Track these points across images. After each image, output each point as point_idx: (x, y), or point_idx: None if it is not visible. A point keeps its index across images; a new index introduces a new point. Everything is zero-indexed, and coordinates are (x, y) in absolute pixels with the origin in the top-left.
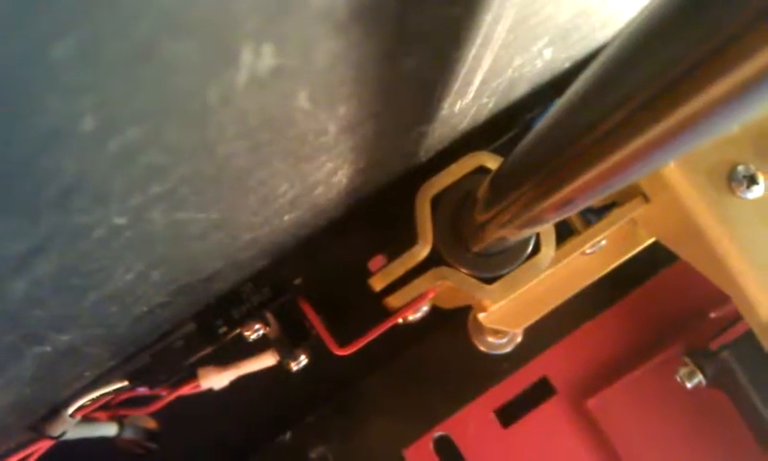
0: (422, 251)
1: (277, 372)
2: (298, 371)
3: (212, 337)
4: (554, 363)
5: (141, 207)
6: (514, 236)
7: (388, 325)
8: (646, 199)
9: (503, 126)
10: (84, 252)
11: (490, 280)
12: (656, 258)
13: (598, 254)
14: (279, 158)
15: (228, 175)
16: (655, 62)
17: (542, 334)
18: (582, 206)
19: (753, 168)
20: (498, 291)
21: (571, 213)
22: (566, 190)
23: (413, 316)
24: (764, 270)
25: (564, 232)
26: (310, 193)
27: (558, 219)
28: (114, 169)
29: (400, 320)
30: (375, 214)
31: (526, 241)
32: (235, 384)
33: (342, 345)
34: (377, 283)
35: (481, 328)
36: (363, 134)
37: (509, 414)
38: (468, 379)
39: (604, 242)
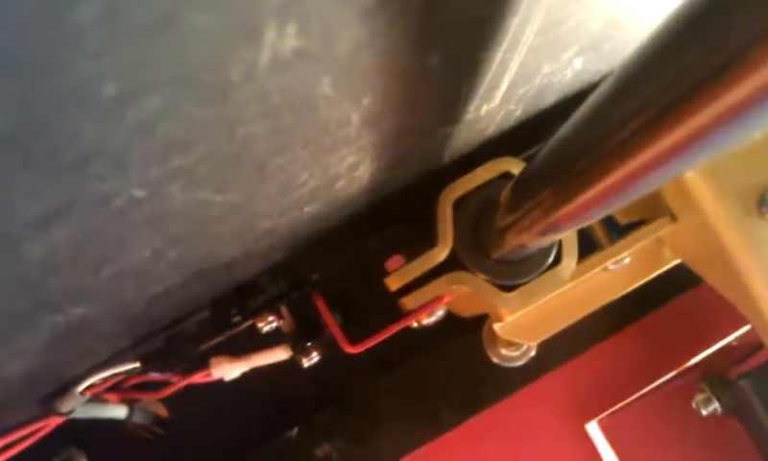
0: (441, 253)
1: (289, 367)
2: (309, 367)
3: (226, 325)
4: (567, 380)
5: (160, 181)
6: (533, 243)
7: (401, 325)
8: (673, 218)
9: (530, 135)
10: (103, 221)
11: (508, 288)
12: (679, 281)
13: (621, 271)
14: (300, 145)
15: (247, 157)
16: (670, 72)
17: (557, 349)
18: (600, 213)
19: None
20: (516, 300)
21: (590, 221)
22: (586, 195)
23: (427, 320)
24: None
25: (588, 248)
26: (331, 186)
27: (576, 227)
28: (133, 137)
29: (415, 323)
30: (396, 214)
31: (547, 251)
32: (246, 376)
33: (353, 343)
34: (393, 283)
35: (495, 339)
36: (386, 129)
37: (514, 428)
38: (478, 390)
39: (628, 259)
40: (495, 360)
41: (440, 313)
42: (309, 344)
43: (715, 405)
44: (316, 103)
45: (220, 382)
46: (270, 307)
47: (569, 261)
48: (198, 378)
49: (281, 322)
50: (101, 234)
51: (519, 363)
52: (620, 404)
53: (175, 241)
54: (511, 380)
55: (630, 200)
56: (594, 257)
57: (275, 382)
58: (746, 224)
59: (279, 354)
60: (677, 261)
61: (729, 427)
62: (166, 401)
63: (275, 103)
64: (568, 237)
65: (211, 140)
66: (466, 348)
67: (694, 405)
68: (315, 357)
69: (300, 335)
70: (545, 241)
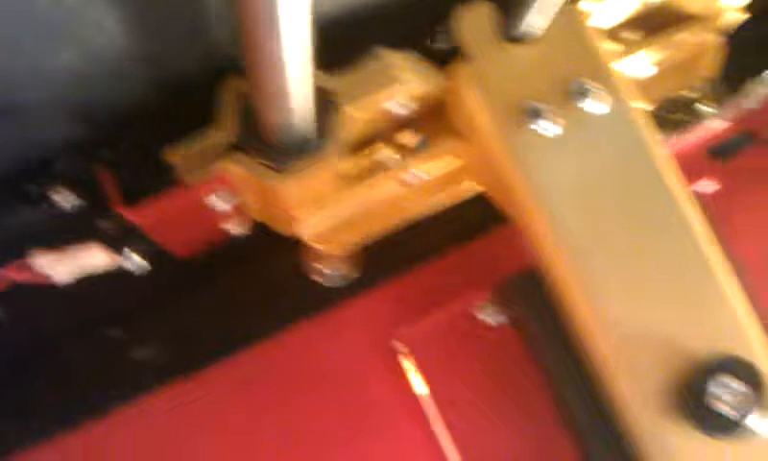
0: (220, 134)
1: (117, 274)
2: (137, 274)
3: (21, 198)
4: (381, 301)
5: None
6: (277, 118)
7: (180, 197)
8: (460, 138)
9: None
10: None
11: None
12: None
13: (422, 189)
14: None
15: None
16: None
17: (379, 271)
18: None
19: (545, 106)
20: (288, 179)
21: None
22: None
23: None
24: (548, 197)
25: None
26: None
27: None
28: None
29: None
30: (193, 103)
31: (310, 133)
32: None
33: (130, 204)
34: (173, 156)
35: (314, 256)
36: None
37: (321, 345)
38: (293, 307)
39: (423, 175)
40: (315, 278)
41: (228, 205)
42: (128, 249)
43: (501, 317)
44: None
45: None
46: (61, 180)
47: (332, 144)
48: (20, 274)
49: (71, 197)
50: None
51: (340, 283)
52: (427, 322)
53: None
54: (329, 299)
55: None
56: (379, 162)
57: (105, 287)
58: (515, 135)
59: (97, 253)
60: (478, 190)
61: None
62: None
63: None
64: (333, 120)
65: None
66: (289, 265)
67: (482, 316)
68: (137, 261)
69: (89, 208)
70: (288, 117)
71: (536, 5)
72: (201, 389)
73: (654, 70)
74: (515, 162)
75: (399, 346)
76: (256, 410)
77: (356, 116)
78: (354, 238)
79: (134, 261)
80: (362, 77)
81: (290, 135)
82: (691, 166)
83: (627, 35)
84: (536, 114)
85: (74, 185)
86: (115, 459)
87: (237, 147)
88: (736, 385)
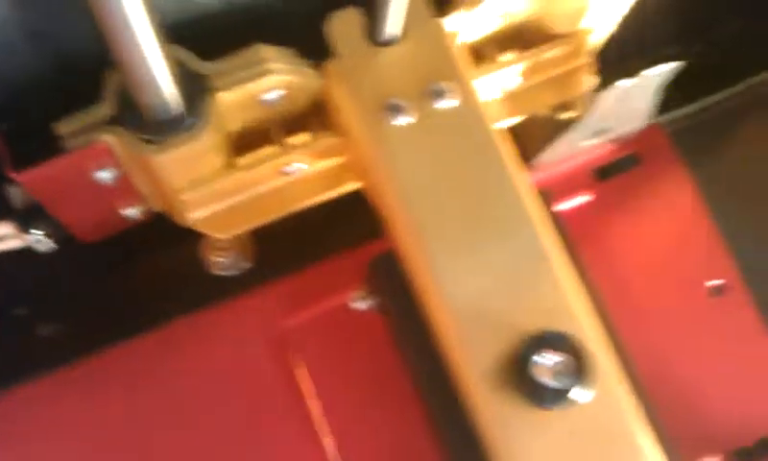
0: (105, 108)
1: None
2: (46, 251)
3: None
4: (272, 293)
5: None
6: (144, 96)
7: (63, 162)
8: (334, 132)
9: None
10: None
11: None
12: None
13: (304, 180)
14: None
15: None
16: None
17: (275, 265)
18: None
19: (403, 102)
20: (160, 153)
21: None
22: None
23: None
24: (402, 184)
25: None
26: None
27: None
28: None
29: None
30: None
31: (178, 113)
32: None
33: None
34: (61, 128)
35: (209, 246)
36: None
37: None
38: (187, 296)
39: (303, 166)
40: (212, 270)
41: (112, 178)
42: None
43: (370, 303)
44: None
45: None
46: None
47: (206, 124)
48: None
49: None
50: None
51: (233, 272)
52: (310, 314)
53: None
54: (223, 290)
55: None
56: (261, 152)
57: (12, 266)
58: (376, 128)
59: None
60: (356, 185)
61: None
62: None
63: None
64: (206, 102)
65: None
66: (187, 255)
67: (355, 305)
68: (42, 238)
69: None
70: (151, 95)
71: (390, 12)
72: (93, 372)
73: (523, 84)
74: (375, 153)
75: (286, 337)
76: (146, 395)
77: (229, 101)
78: (242, 225)
79: (41, 241)
80: (236, 65)
81: (160, 113)
82: (575, 183)
83: (497, 51)
84: (395, 110)
85: None
86: (19, 434)
87: (119, 121)
88: (559, 358)
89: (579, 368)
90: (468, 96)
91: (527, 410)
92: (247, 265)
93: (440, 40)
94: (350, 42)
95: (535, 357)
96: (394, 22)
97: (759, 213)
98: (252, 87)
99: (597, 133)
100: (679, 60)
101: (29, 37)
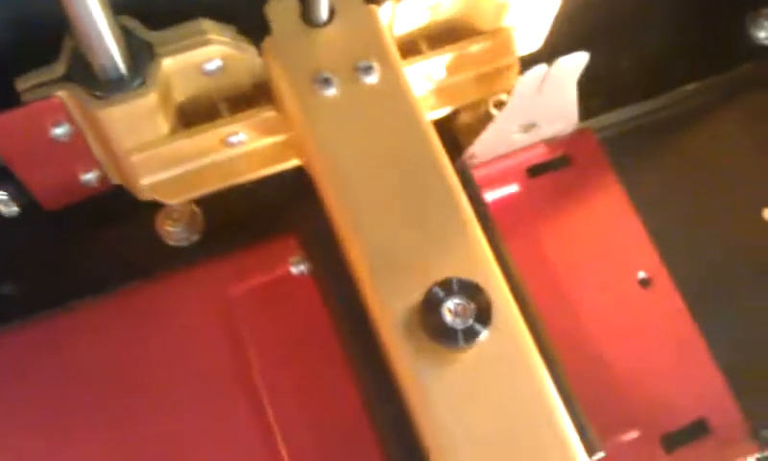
0: (62, 66)
1: None
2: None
3: None
4: (219, 265)
5: None
6: (92, 56)
7: (19, 114)
8: (276, 108)
9: None
10: None
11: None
12: None
13: (246, 155)
14: None
15: None
16: None
17: (221, 240)
18: None
19: (333, 76)
20: (106, 107)
21: None
22: None
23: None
24: (330, 150)
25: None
26: None
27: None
28: None
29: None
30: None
31: (124, 74)
32: None
33: None
34: (19, 84)
35: (163, 217)
36: None
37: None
38: (140, 263)
39: (244, 137)
40: (163, 238)
41: (67, 134)
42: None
43: (303, 268)
44: None
45: None
46: None
47: (150, 84)
48: None
49: None
50: None
51: (183, 243)
52: (253, 282)
53: None
54: (174, 261)
55: None
56: (207, 124)
57: None
58: (307, 99)
59: None
60: (296, 162)
61: None
62: None
63: None
64: (150, 65)
65: None
66: (143, 226)
67: (293, 270)
68: (9, 206)
69: None
70: (98, 55)
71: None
72: (48, 330)
73: (449, 77)
74: (305, 122)
75: (231, 305)
76: (96, 357)
77: (172, 67)
78: (189, 192)
79: (4, 202)
80: (179, 34)
81: (109, 72)
82: (505, 178)
83: (426, 46)
84: (325, 83)
85: None
86: None
87: (72, 79)
88: (462, 301)
89: (479, 310)
90: (392, 72)
91: (435, 350)
92: (196, 237)
93: (369, 24)
94: (287, 23)
95: (442, 301)
96: (323, 4)
97: (679, 212)
98: (192, 55)
99: (526, 128)
100: (609, 71)
101: None
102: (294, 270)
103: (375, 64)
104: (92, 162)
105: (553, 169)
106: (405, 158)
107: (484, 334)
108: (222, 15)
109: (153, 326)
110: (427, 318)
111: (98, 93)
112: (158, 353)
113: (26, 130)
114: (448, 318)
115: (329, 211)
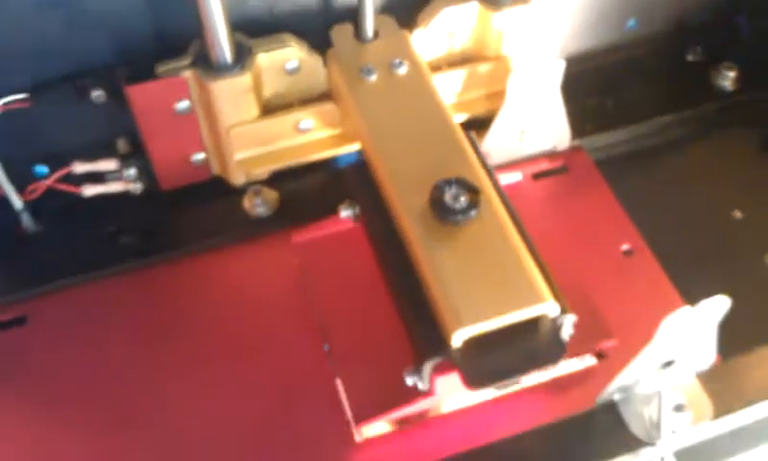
0: (186, 59)
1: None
2: (134, 193)
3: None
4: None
5: None
6: (210, 52)
7: (154, 83)
8: (335, 102)
9: None
10: None
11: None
12: None
13: (313, 142)
14: None
15: None
16: None
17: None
18: None
19: (372, 66)
20: (215, 82)
21: None
22: None
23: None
24: (373, 120)
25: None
26: None
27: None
28: None
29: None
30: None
31: (231, 64)
32: None
33: None
34: (158, 68)
35: (247, 198)
36: None
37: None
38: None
39: (311, 123)
40: (247, 212)
41: (187, 108)
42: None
43: (351, 212)
44: None
45: None
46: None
47: (248, 71)
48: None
49: None
50: None
51: (262, 216)
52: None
53: None
54: (256, 229)
55: None
56: (285, 111)
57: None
58: (356, 86)
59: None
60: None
61: None
62: None
63: None
64: (249, 60)
65: None
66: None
67: (343, 214)
68: (136, 186)
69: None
70: (215, 52)
71: (366, 22)
72: (158, 276)
73: (462, 92)
74: (354, 100)
75: (294, 255)
76: (197, 301)
77: (262, 62)
78: (270, 166)
79: (134, 183)
80: (269, 41)
81: (220, 61)
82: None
83: (445, 66)
84: (368, 72)
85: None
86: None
87: (195, 66)
88: (459, 190)
89: (471, 197)
90: (416, 67)
91: (440, 226)
92: (272, 213)
93: (402, 40)
94: (344, 39)
95: (445, 191)
96: (369, 27)
97: (653, 198)
98: (277, 54)
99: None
100: (599, 107)
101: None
102: (344, 214)
103: (405, 62)
104: (201, 144)
105: (553, 174)
106: (425, 122)
107: (474, 213)
108: (300, 33)
109: (240, 278)
110: (434, 201)
111: (210, 74)
112: (241, 302)
113: (159, 100)
114: (449, 201)
115: (370, 160)
